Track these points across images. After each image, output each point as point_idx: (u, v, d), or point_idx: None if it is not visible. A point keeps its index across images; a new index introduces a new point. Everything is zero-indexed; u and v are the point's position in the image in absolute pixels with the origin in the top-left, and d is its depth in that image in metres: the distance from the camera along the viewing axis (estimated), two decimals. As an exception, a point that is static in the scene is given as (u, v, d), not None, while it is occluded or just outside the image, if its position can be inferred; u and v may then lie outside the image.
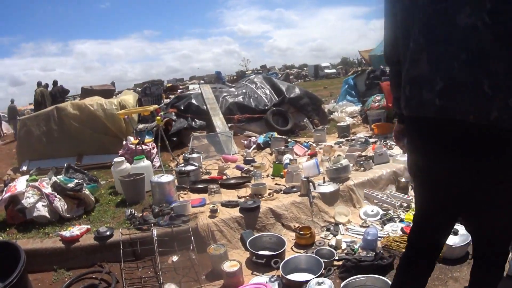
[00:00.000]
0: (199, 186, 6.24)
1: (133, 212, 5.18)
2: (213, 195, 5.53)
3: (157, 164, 7.75)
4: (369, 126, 10.38)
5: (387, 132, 9.25)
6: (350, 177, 5.96)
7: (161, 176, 5.56)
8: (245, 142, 9.85)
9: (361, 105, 13.22)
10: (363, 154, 7.41)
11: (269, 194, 5.64)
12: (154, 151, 8.05)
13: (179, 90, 17.76)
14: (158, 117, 7.78)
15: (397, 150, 7.36)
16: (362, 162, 6.56)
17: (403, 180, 5.89)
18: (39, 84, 17.65)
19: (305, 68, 66.12)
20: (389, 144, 8.12)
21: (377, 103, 10.83)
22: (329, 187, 5.58)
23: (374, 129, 9.68)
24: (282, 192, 5.71)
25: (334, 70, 58.55)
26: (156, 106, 8.16)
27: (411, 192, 5.64)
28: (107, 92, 13.05)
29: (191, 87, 20.87)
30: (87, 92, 13.09)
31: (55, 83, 18.36)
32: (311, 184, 5.40)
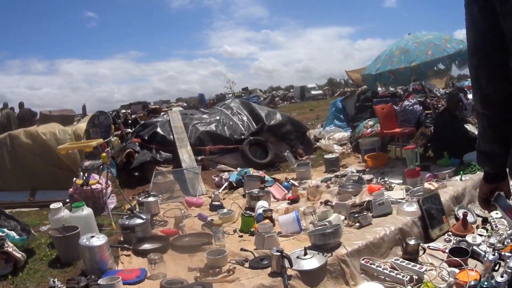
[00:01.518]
0: (146, 246, 5.05)
1: (56, 284, 4.14)
2: (153, 267, 4.26)
3: (112, 206, 6.86)
4: (361, 157, 9.24)
5: (382, 164, 8.20)
6: (342, 243, 4.48)
7: (92, 237, 4.40)
8: (216, 179, 8.55)
9: (350, 130, 12.24)
10: (357, 199, 6.06)
11: (229, 270, 4.14)
12: (109, 190, 7.03)
13: (161, 113, 16.47)
14: (104, 154, 6.59)
15: (398, 194, 6.08)
16: (357, 215, 5.19)
17: (412, 242, 4.49)
18: (5, 105, 16.88)
19: (291, 90, 65.73)
20: (388, 182, 6.92)
21: (369, 129, 9.99)
22: (312, 262, 4.10)
23: (368, 161, 8.50)
24: (247, 264, 4.26)
25: (320, 91, 57.78)
26: (100, 140, 7.08)
27: (424, 258, 4.50)
28: (66, 118, 11.83)
29: (174, 109, 20.28)
30: (45, 118, 11.88)
31: (21, 105, 17.12)
32: (286, 260, 3.91)
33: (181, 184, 8.03)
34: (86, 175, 6.48)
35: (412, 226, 4.88)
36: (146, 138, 9.81)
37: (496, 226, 5.09)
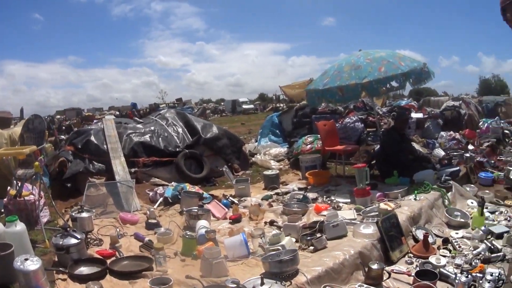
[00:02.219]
0: (82, 270, 4.60)
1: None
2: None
3: (45, 220, 6.33)
4: (301, 174, 8.97)
5: (325, 182, 7.98)
6: (300, 269, 4.04)
7: (26, 259, 4.02)
8: (150, 194, 7.98)
9: (287, 146, 12.02)
10: (305, 219, 5.76)
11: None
12: (42, 202, 6.41)
13: (94, 121, 15.68)
14: (36, 163, 6.08)
15: (348, 214, 5.77)
16: (310, 238, 4.83)
17: (375, 266, 4.20)
18: None
19: (222, 103, 66.11)
20: (335, 201, 6.64)
21: (309, 146, 9.76)
22: (269, 294, 3.61)
23: (309, 179, 8.21)
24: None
25: (252, 106, 58.24)
26: (33, 147, 6.50)
27: (389, 283, 4.21)
28: (3, 121, 11.05)
29: (107, 117, 19.65)
30: (-18, 120, 10.99)
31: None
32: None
33: (115, 198, 7.44)
34: (19, 184, 6.13)
35: (372, 249, 4.59)
36: (80, 146, 9.12)
37: (459, 247, 4.92)
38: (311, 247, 4.71)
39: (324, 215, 5.67)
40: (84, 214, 5.97)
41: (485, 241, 4.96)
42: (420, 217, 5.62)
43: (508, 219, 5.70)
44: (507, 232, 5.14)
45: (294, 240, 4.90)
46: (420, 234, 5.03)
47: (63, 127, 25.92)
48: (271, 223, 5.86)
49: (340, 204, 6.37)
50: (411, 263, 4.64)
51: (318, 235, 4.88)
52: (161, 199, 7.65)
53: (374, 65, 7.29)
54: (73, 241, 4.88)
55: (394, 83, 7.17)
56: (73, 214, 6.03)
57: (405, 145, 7.61)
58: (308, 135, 10.31)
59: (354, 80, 7.22)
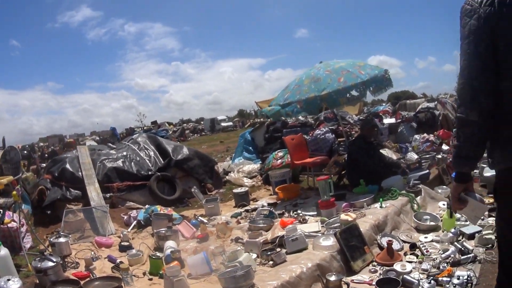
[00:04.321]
0: None
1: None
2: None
3: (28, 246, 6.58)
4: (272, 189, 8.88)
5: (295, 196, 7.92)
6: (256, 284, 4.04)
7: (8, 280, 4.42)
8: (125, 217, 8.13)
9: (260, 162, 11.91)
10: (270, 235, 5.65)
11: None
12: (24, 228, 6.68)
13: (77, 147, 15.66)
14: (14, 192, 6.34)
15: (313, 226, 5.67)
16: (270, 253, 4.77)
17: (333, 278, 4.13)
18: None
19: (202, 122, 66.08)
20: (301, 214, 6.54)
21: (279, 160, 9.66)
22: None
23: (279, 194, 8.12)
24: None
25: (231, 123, 58.43)
26: (10, 177, 6.85)
27: None
28: None
29: (88, 143, 19.58)
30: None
31: None
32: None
33: (91, 223, 7.65)
34: (1, 212, 6.31)
35: (331, 260, 4.48)
36: (56, 174, 9.28)
37: (427, 251, 4.79)
38: (271, 262, 4.65)
39: (290, 230, 5.58)
40: (61, 239, 6.22)
41: (455, 243, 4.82)
42: (386, 224, 5.50)
43: (482, 217, 5.51)
44: (479, 232, 5.00)
45: (255, 256, 4.88)
46: (385, 242, 4.91)
47: (46, 155, 25.85)
48: (236, 240, 5.84)
49: (306, 217, 6.26)
50: (375, 271, 4.51)
51: (278, 249, 4.81)
52: (134, 222, 7.76)
53: (334, 76, 7.23)
54: (50, 264, 5.15)
55: (354, 92, 7.09)
56: (51, 239, 6.26)
57: (373, 152, 7.52)
58: (279, 150, 10.25)
59: (313, 92, 7.17)
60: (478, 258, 4.48)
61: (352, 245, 4.67)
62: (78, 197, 8.80)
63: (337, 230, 4.87)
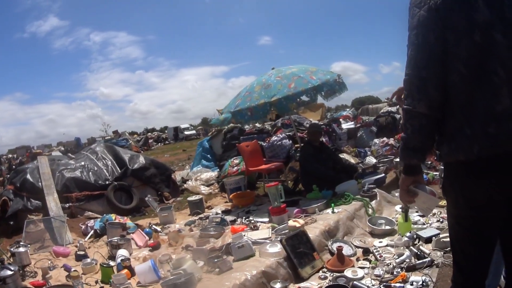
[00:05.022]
0: None
1: None
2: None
3: None
4: (228, 197, 8.80)
5: (249, 203, 7.85)
6: None
7: None
8: (83, 227, 8.17)
9: (218, 170, 11.90)
10: (220, 242, 5.48)
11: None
12: None
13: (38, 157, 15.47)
14: None
15: (264, 233, 5.55)
16: (216, 260, 4.63)
17: (277, 286, 4.08)
18: None
19: (166, 131, 66.05)
20: (252, 221, 6.43)
21: (235, 168, 9.71)
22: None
23: (234, 201, 8.10)
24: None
25: (194, 131, 58.56)
26: None
27: None
28: None
29: (54, 153, 19.42)
30: None
31: None
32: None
33: (51, 233, 7.68)
34: None
35: (278, 267, 4.34)
36: (18, 185, 9.32)
37: (380, 256, 4.66)
38: (217, 269, 4.53)
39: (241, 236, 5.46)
40: (21, 249, 6.40)
41: (411, 247, 4.69)
42: (338, 229, 5.38)
43: (441, 220, 5.45)
44: (437, 235, 4.86)
45: (202, 263, 4.81)
46: (336, 247, 4.74)
47: (13, 166, 25.54)
48: (187, 247, 5.73)
49: (258, 224, 6.14)
50: (325, 278, 4.36)
51: (225, 257, 4.69)
52: (92, 232, 7.80)
53: (284, 82, 7.19)
54: (8, 272, 5.30)
55: (304, 98, 7.06)
56: (12, 249, 6.43)
57: (324, 156, 7.44)
58: (235, 157, 10.21)
59: (263, 99, 7.12)
60: (435, 262, 4.34)
61: (300, 251, 4.54)
62: (38, 208, 8.79)
63: (282, 237, 4.75)
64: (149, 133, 61.67)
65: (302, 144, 8.69)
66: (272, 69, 8.03)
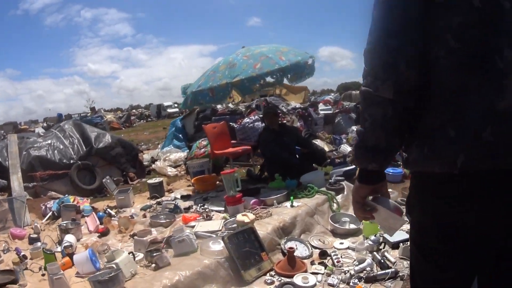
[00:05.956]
0: None
1: None
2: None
3: None
4: (191, 180, 8.36)
5: (212, 188, 7.44)
6: None
7: None
8: (43, 208, 7.76)
9: (187, 150, 11.41)
10: (168, 232, 5.09)
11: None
12: None
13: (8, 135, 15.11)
14: None
15: (214, 225, 5.06)
16: (155, 254, 4.16)
17: None
18: None
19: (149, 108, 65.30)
20: (207, 210, 5.90)
21: (202, 150, 9.32)
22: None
23: (196, 185, 7.63)
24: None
25: (177, 109, 57.15)
26: None
27: None
28: None
29: (36, 130, 19.26)
30: None
31: None
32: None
33: (12, 214, 7.43)
34: None
35: (218, 268, 3.89)
36: None
37: (338, 261, 4.13)
38: (153, 265, 4.09)
39: (192, 226, 5.06)
40: None
41: (374, 253, 4.14)
42: (294, 226, 4.86)
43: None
44: (405, 241, 4.23)
45: (141, 256, 4.41)
46: (287, 248, 4.26)
47: (-2, 142, 25.16)
48: (133, 236, 5.27)
49: (212, 214, 5.65)
50: (272, 282, 3.85)
51: (164, 251, 4.23)
52: (50, 213, 7.42)
53: (250, 62, 6.73)
54: None
55: (269, 79, 6.61)
56: None
57: (284, 140, 7.03)
58: (203, 139, 9.76)
59: (225, 79, 6.65)
60: (399, 274, 3.73)
61: (245, 251, 4.07)
62: (4, 187, 8.65)
63: (225, 233, 4.35)
64: (134, 110, 61.01)
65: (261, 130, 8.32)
66: (242, 48, 7.59)
